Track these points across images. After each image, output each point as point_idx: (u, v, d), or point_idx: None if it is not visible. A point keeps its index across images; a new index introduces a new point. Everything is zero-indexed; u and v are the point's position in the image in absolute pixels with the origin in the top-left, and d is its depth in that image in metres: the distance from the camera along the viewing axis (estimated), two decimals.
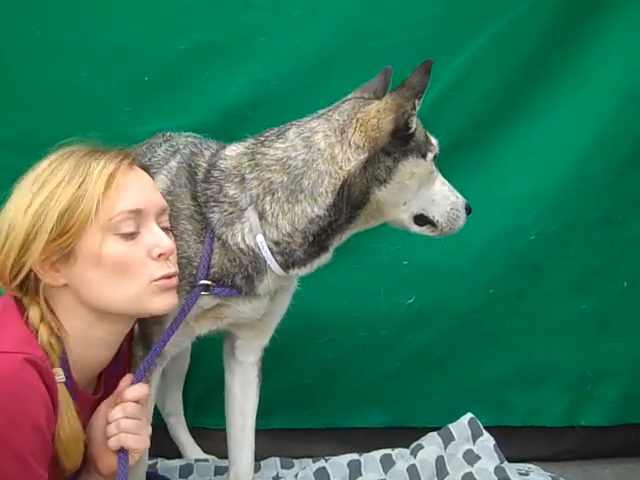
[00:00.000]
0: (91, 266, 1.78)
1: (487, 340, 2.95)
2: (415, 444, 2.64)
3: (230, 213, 1.98)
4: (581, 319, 2.95)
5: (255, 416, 2.31)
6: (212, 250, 1.99)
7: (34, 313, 1.79)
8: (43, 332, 1.78)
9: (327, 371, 2.89)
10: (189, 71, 2.70)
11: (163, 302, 1.85)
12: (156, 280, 1.82)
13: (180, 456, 2.76)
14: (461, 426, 2.65)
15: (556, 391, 2.99)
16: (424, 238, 2.83)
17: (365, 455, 2.64)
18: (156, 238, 1.83)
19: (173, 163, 2.13)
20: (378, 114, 1.93)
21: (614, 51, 2.83)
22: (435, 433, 2.64)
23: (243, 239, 1.97)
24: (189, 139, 2.27)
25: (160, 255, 1.83)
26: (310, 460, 2.66)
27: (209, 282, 1.98)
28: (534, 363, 2.97)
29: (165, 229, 1.91)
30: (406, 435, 2.84)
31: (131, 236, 1.80)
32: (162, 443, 2.61)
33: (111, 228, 1.78)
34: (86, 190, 1.76)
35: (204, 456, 2.74)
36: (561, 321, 2.95)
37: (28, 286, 1.82)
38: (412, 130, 1.94)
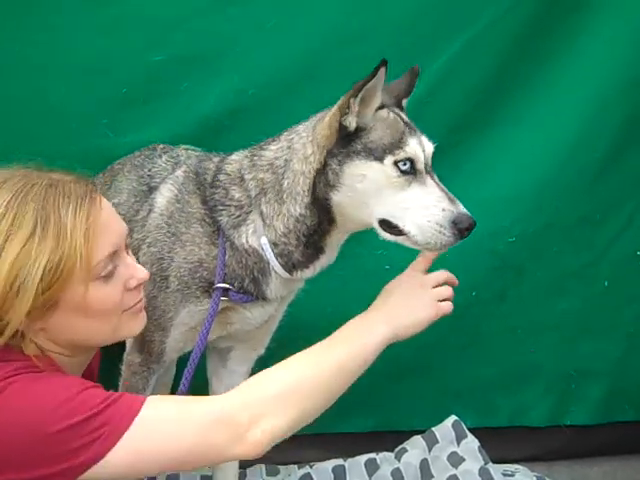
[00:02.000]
0: (74, 314, 1.73)
1: (470, 342, 2.97)
2: (399, 448, 2.66)
3: (237, 216, 2.04)
4: (563, 319, 2.98)
5: None
6: (225, 253, 2.03)
7: (31, 349, 1.73)
8: (29, 349, 1.74)
9: None
10: (166, 82, 2.70)
11: (136, 325, 1.88)
12: (129, 309, 1.84)
13: None
14: (445, 428, 2.67)
15: (541, 391, 3.02)
16: None
17: (350, 460, 2.66)
18: (131, 270, 1.82)
19: (179, 172, 2.19)
20: (331, 113, 1.95)
21: (589, 54, 2.85)
22: (419, 436, 2.66)
23: (247, 240, 2.03)
24: (189, 151, 2.33)
25: (136, 286, 1.84)
26: (295, 467, 2.68)
27: (228, 285, 2.02)
28: (518, 364, 3.00)
29: (127, 247, 1.87)
30: (392, 439, 2.87)
31: (111, 275, 1.77)
32: None
33: (93, 276, 1.71)
34: (65, 244, 1.65)
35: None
36: (543, 321, 2.98)
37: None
38: (350, 129, 1.91)
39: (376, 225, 1.95)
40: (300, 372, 1.75)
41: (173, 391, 2.75)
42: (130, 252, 1.89)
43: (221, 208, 2.05)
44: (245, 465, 2.41)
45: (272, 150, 2.04)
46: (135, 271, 1.83)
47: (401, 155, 1.90)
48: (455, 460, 2.57)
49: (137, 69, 2.68)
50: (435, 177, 1.94)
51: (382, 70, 1.88)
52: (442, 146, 2.82)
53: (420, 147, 1.94)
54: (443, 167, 2.81)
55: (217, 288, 2.01)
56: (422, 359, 2.95)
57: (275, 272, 2.03)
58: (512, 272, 2.95)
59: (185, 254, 2.08)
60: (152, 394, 2.39)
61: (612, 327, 3.01)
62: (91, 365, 2.02)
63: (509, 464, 2.77)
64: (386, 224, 1.93)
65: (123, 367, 2.27)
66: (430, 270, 2.80)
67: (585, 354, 3.00)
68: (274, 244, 2.00)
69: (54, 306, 1.69)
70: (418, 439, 2.65)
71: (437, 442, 2.63)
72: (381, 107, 1.97)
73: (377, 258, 2.91)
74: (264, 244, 2.00)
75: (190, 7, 2.69)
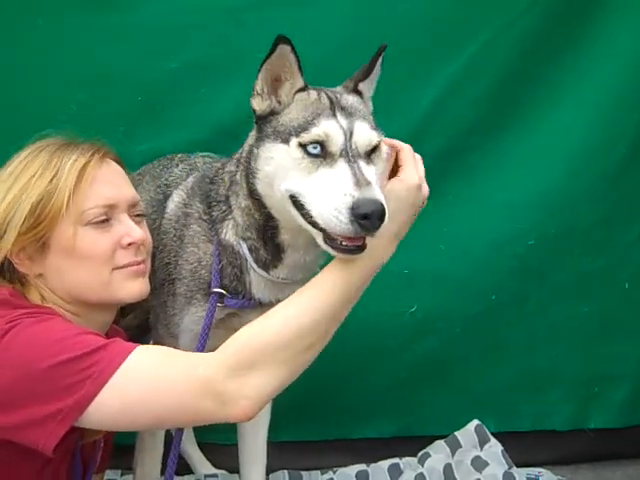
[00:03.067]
0: (64, 256, 1.83)
1: (491, 346, 2.95)
2: (422, 452, 2.64)
3: (223, 211, 2.02)
4: (584, 322, 2.95)
5: (267, 430, 2.32)
6: (219, 251, 2.01)
7: (34, 296, 1.86)
8: (33, 296, 1.85)
9: (333, 383, 2.87)
10: (182, 90, 2.71)
11: (133, 288, 1.90)
12: (122, 267, 1.87)
13: (190, 472, 2.77)
14: (468, 433, 2.65)
15: (563, 394, 2.99)
16: (423, 246, 2.90)
17: (373, 465, 2.65)
18: (127, 228, 1.89)
19: (190, 179, 2.20)
20: None
21: (606, 57, 2.85)
22: (442, 441, 2.64)
23: (226, 235, 2.01)
24: (206, 158, 2.33)
25: (130, 244, 1.88)
26: (319, 472, 2.66)
27: (222, 291, 1.99)
28: (539, 367, 2.97)
29: (139, 216, 1.96)
30: (414, 444, 2.85)
31: (102, 224, 1.85)
32: None
33: (83, 220, 1.83)
34: (58, 184, 1.82)
35: (214, 471, 2.76)
36: (564, 324, 2.95)
37: (11, 275, 1.86)
38: (259, 112, 1.88)
39: (290, 206, 1.79)
40: (286, 322, 1.67)
41: None
42: (145, 225, 1.97)
43: (214, 204, 2.05)
44: (268, 471, 2.39)
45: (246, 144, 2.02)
46: (130, 230, 1.89)
47: (306, 137, 1.76)
48: (479, 464, 2.55)
49: (153, 77, 2.71)
50: (360, 163, 1.72)
51: (282, 47, 1.83)
52: (462, 148, 2.87)
53: (339, 130, 1.75)
54: (463, 170, 2.87)
55: (213, 292, 1.99)
56: (443, 364, 2.94)
57: (253, 270, 1.99)
58: (532, 275, 2.93)
59: (187, 256, 2.07)
60: None
61: (634, 329, 2.98)
62: None
63: (533, 468, 2.73)
64: (296, 203, 1.77)
65: None
66: (456, 270, 2.84)
67: (607, 357, 2.97)
68: (242, 239, 1.98)
69: (46, 246, 1.83)
70: (441, 444, 2.63)
71: (460, 446, 2.61)
72: (303, 89, 1.88)
73: (395, 262, 2.89)
74: (239, 239, 1.99)
75: (206, 14, 2.71)
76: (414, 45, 2.77)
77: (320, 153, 1.73)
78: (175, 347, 2.08)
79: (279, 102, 1.87)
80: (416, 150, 2.84)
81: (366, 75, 1.95)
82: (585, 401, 3.00)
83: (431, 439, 2.80)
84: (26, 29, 2.64)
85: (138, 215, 1.96)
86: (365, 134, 1.78)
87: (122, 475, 2.61)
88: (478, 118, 2.87)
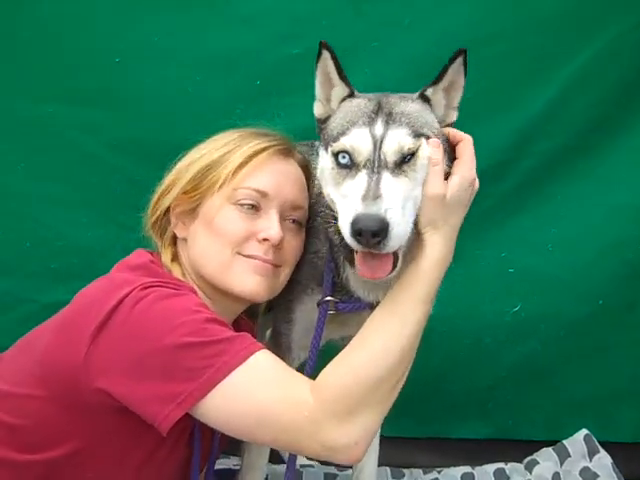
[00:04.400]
0: (203, 225, 1.90)
1: (595, 352, 2.88)
2: (529, 459, 2.59)
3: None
4: None
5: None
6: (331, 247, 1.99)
7: (166, 256, 1.95)
8: (176, 270, 1.91)
9: (431, 379, 2.81)
10: (300, 76, 2.67)
11: (248, 281, 1.89)
12: (246, 256, 1.88)
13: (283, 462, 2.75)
14: (577, 442, 2.59)
15: None
16: (530, 246, 2.85)
17: (478, 468, 2.60)
18: (270, 224, 1.89)
19: None
20: None
21: None
22: (550, 448, 2.59)
23: (330, 229, 1.96)
24: None
25: (264, 240, 1.88)
26: (420, 471, 2.63)
27: (331, 298, 1.95)
28: None
29: (294, 222, 1.96)
30: (511, 448, 2.80)
31: (249, 210, 1.89)
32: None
33: (232, 198, 1.88)
34: (227, 159, 1.90)
35: (309, 462, 2.74)
36: None
37: (162, 228, 1.98)
38: (317, 117, 1.89)
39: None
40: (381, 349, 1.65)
41: None
42: (297, 235, 1.98)
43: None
44: None
45: None
46: (272, 227, 1.89)
47: (335, 147, 1.73)
48: (588, 476, 2.48)
49: (272, 62, 2.71)
50: (383, 175, 1.65)
51: (324, 54, 1.84)
52: (575, 149, 2.80)
53: (367, 139, 1.69)
54: (575, 171, 2.80)
55: (324, 302, 1.95)
56: (544, 367, 2.88)
57: (347, 266, 1.94)
58: None
59: (308, 246, 2.06)
60: None
61: None
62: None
63: None
64: (331, 214, 1.78)
65: None
66: (563, 272, 2.78)
67: None
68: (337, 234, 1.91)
69: (196, 213, 1.92)
70: (549, 451, 2.58)
71: (569, 456, 2.55)
72: (350, 96, 1.85)
73: (500, 261, 2.87)
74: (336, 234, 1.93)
75: (327, 2, 2.71)
76: (534, 42, 2.72)
77: (349, 163, 1.70)
78: (288, 333, 2.09)
79: (332, 109, 1.87)
80: (529, 148, 2.84)
81: (436, 81, 1.86)
82: None
83: (529, 444, 2.75)
84: (152, 14, 2.67)
85: (294, 221, 1.97)
86: (395, 142, 1.69)
87: None
88: (593, 119, 2.80)
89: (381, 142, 1.68)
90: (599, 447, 2.60)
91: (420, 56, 2.70)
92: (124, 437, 1.79)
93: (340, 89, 1.86)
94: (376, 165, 1.66)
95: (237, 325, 2.10)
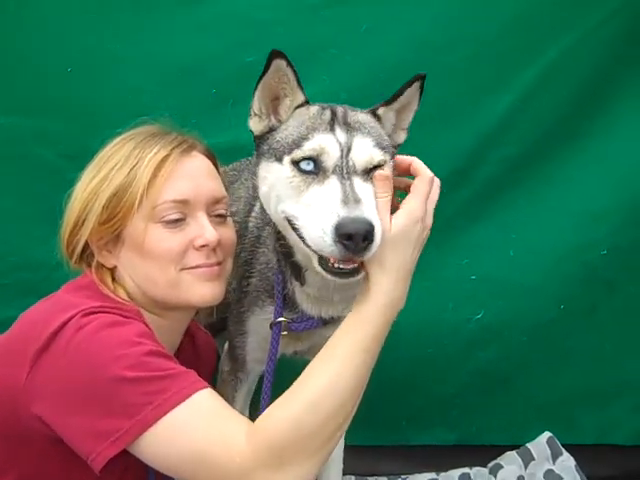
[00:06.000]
0: (134, 251, 1.80)
1: (557, 356, 2.89)
2: (493, 463, 2.59)
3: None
4: None
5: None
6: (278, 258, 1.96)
7: (120, 291, 1.83)
8: (120, 291, 1.82)
9: (394, 387, 2.80)
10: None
11: (203, 291, 1.83)
12: (192, 268, 1.81)
13: None
14: (540, 445, 2.60)
15: (630, 408, 2.92)
16: (491, 252, 2.85)
17: (443, 474, 2.61)
18: (201, 229, 1.82)
19: None
20: None
21: None
22: (514, 452, 2.60)
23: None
24: None
25: (203, 246, 1.81)
26: (386, 479, 2.62)
27: (284, 319, 1.91)
28: (606, 380, 2.91)
29: (220, 216, 1.89)
30: (475, 453, 2.79)
31: (175, 224, 1.80)
32: None
33: (155, 216, 1.79)
34: (134, 177, 1.79)
35: None
36: (634, 337, 2.89)
37: (88, 260, 1.86)
38: (255, 132, 1.80)
39: (290, 228, 1.71)
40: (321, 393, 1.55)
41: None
42: (229, 225, 1.91)
43: None
44: None
45: None
46: (205, 231, 1.82)
47: (298, 153, 1.67)
48: (552, 478, 2.50)
49: (228, 69, 2.67)
50: (354, 180, 1.62)
51: (277, 62, 1.75)
52: (536, 155, 2.81)
53: (334, 144, 1.65)
54: (536, 177, 2.81)
55: (276, 322, 1.90)
56: (508, 372, 2.89)
57: (291, 282, 1.92)
58: (603, 286, 2.87)
59: (259, 256, 2.03)
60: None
61: None
62: (202, 358, 2.04)
63: None
64: (294, 230, 1.68)
65: (217, 376, 2.25)
66: (525, 278, 2.79)
67: None
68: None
69: (121, 239, 1.81)
70: (512, 455, 2.59)
71: (533, 459, 2.56)
72: (303, 104, 1.80)
73: (462, 268, 2.86)
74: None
75: (284, 9, 2.68)
76: (493, 49, 2.73)
77: (313, 170, 1.64)
78: (242, 346, 2.06)
79: (279, 120, 1.80)
80: (489, 155, 2.84)
81: (389, 101, 1.83)
82: None
83: (493, 449, 2.75)
84: (108, 23, 2.62)
85: (219, 215, 1.89)
86: (365, 150, 1.67)
87: None
88: (553, 125, 2.81)
89: (348, 149, 1.65)
90: (562, 449, 2.61)
91: (379, 63, 2.70)
92: (66, 468, 1.72)
93: (294, 97, 1.79)
94: (345, 171, 1.62)
95: (195, 340, 2.05)
